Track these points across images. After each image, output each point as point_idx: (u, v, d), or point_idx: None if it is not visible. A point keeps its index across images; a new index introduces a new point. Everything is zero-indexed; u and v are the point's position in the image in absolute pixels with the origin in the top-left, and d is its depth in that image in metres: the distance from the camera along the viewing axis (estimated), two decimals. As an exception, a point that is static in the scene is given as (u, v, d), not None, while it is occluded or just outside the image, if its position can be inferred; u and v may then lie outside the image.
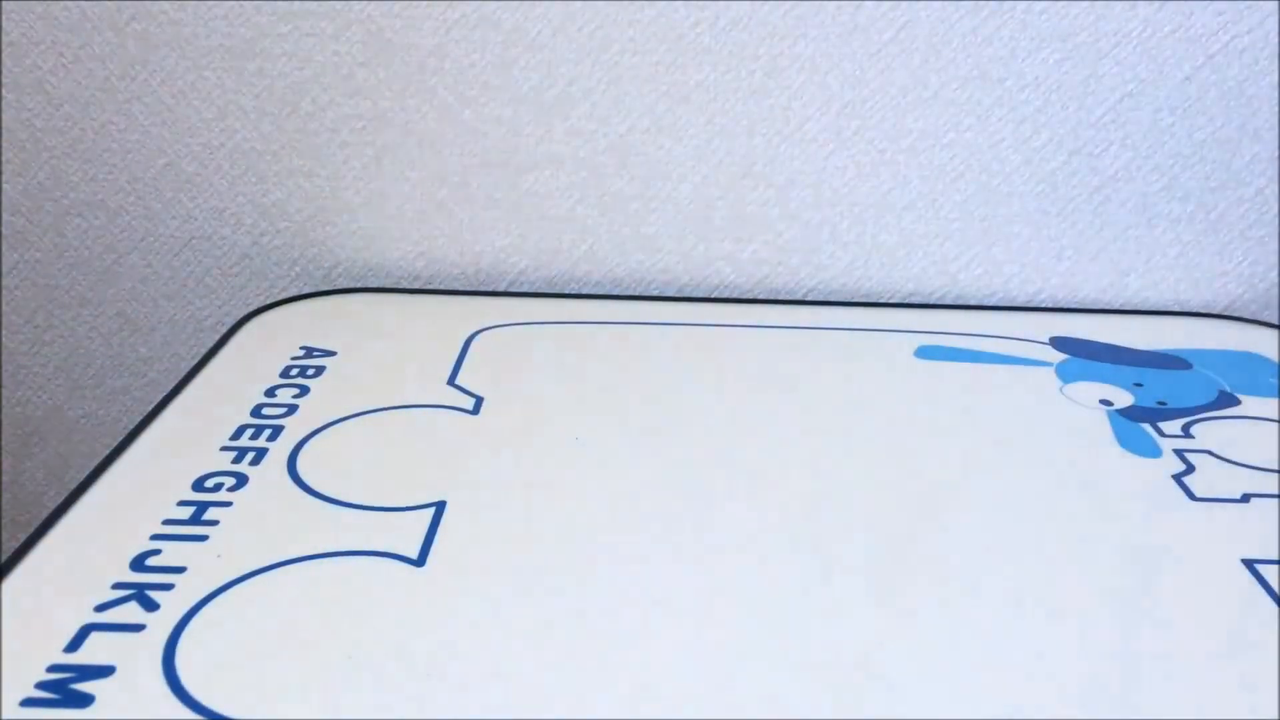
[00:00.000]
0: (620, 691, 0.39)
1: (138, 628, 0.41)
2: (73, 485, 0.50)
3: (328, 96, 0.72)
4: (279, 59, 0.71)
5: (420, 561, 0.45)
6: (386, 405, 0.58)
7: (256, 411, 0.57)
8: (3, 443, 0.81)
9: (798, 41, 0.70)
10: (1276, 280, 0.74)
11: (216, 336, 0.68)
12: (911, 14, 0.69)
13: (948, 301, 0.75)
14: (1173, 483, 0.53)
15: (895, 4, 0.68)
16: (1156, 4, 0.68)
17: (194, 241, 0.76)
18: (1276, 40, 0.68)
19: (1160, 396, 0.61)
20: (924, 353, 0.66)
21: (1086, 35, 0.69)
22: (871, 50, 0.70)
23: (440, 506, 0.49)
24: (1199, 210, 0.73)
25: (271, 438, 0.55)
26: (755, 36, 0.70)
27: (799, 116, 0.72)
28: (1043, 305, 0.75)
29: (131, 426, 0.56)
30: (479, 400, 0.59)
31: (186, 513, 0.48)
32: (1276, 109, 0.70)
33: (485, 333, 0.68)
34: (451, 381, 0.61)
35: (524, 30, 0.70)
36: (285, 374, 0.61)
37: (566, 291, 0.76)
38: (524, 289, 0.76)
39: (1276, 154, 0.71)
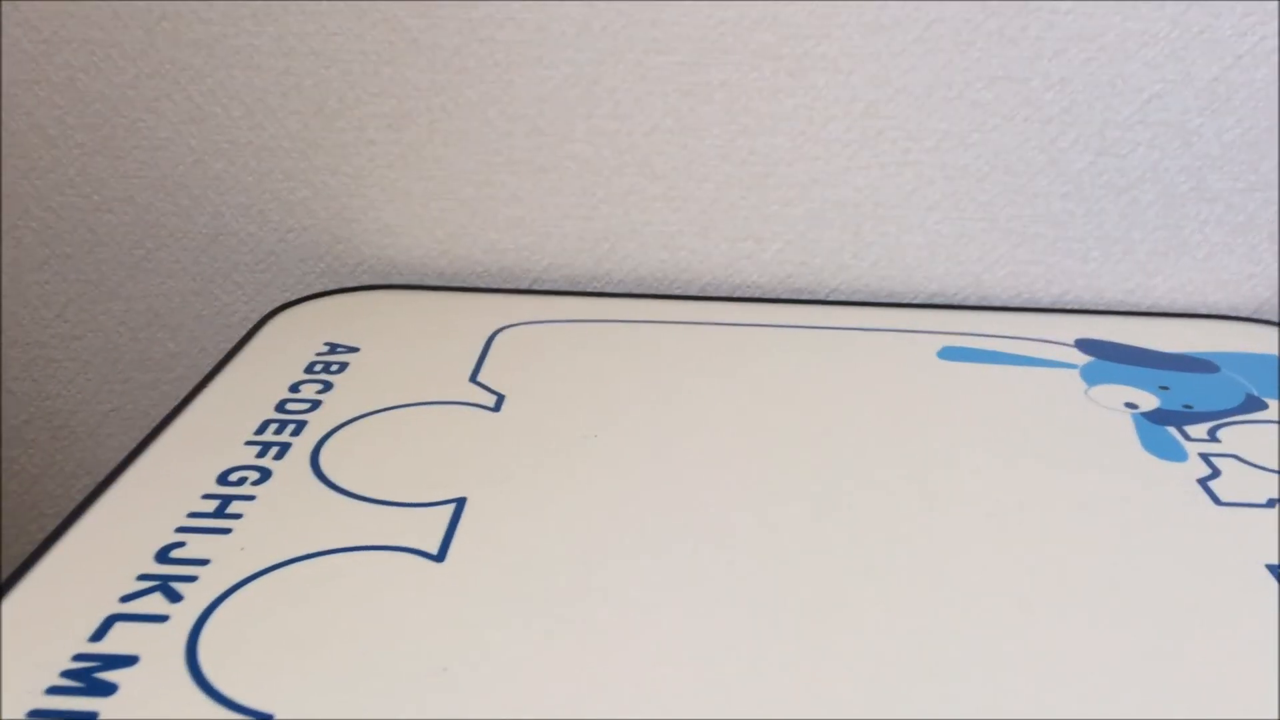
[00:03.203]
0: (639, 690, 0.39)
1: (161, 618, 0.41)
2: (102, 478, 0.51)
3: (353, 95, 0.72)
4: (305, 58, 0.71)
5: (440, 557, 0.46)
6: (409, 402, 0.59)
7: (281, 407, 0.58)
8: (33, 436, 0.83)
9: (821, 41, 0.70)
10: (1306, 283, 0.74)
11: (243, 332, 0.69)
12: (936, 13, 0.68)
13: (972, 302, 0.75)
14: (1198, 487, 0.52)
15: (920, 3, 0.68)
16: (1184, 4, 0.67)
17: (221, 237, 0.77)
18: (1307, 41, 0.68)
19: (1186, 400, 0.61)
20: (947, 354, 0.66)
21: (1113, 35, 0.68)
22: (895, 50, 0.69)
23: (461, 503, 0.50)
24: (1227, 212, 0.72)
25: (295, 433, 0.55)
26: (779, 36, 0.70)
27: (822, 116, 0.71)
28: (1068, 307, 0.75)
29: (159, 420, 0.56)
30: (500, 398, 0.59)
31: (211, 506, 0.49)
32: (1307, 110, 0.69)
33: (508, 330, 0.68)
34: (474, 378, 0.62)
35: (547, 29, 0.70)
36: (309, 370, 0.62)
37: (589, 290, 0.76)
38: (547, 287, 0.76)
39: (1306, 155, 0.71)
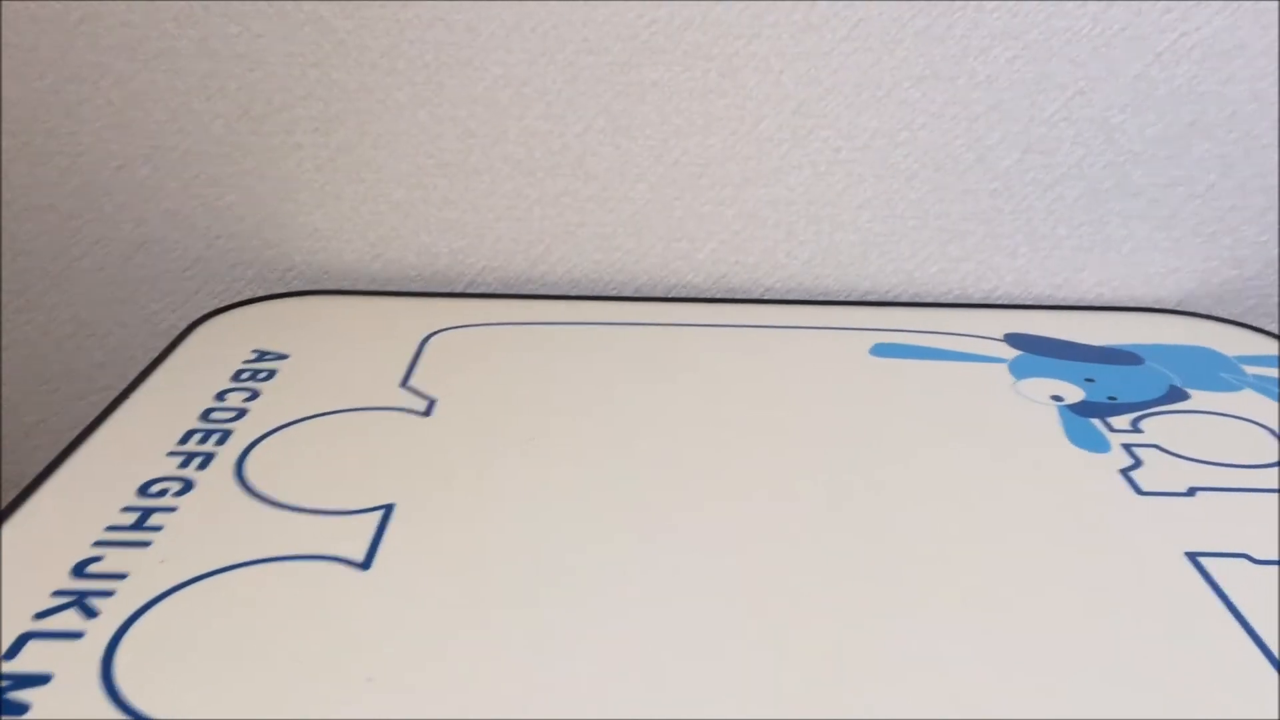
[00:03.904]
0: (568, 693, 0.39)
1: (76, 635, 0.40)
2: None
3: (280, 98, 0.71)
4: (230, 60, 0.70)
5: (366, 565, 0.45)
6: (338, 408, 0.58)
7: (205, 416, 0.57)
8: (-46, 450, 0.81)
9: (752, 41, 0.70)
10: (1228, 275, 0.75)
11: (171, 340, 0.68)
12: (865, 13, 0.69)
13: (904, 299, 0.76)
14: (1120, 477, 0.53)
15: (849, 3, 0.69)
16: (1106, 2, 0.68)
17: (147, 245, 0.75)
18: (1224, 38, 0.69)
19: (1111, 392, 0.62)
20: (879, 350, 0.67)
21: (1038, 33, 0.69)
22: (825, 49, 0.70)
23: (388, 510, 0.49)
24: (1151, 207, 0.73)
25: (220, 442, 0.54)
26: (710, 36, 0.70)
27: (754, 116, 0.72)
28: (998, 302, 0.75)
29: (85, 432, 0.55)
30: (431, 402, 0.59)
31: (130, 519, 0.48)
32: (1225, 105, 0.71)
33: (441, 334, 0.67)
34: (405, 384, 0.61)
35: (478, 30, 0.70)
36: (236, 378, 0.61)
37: (523, 292, 0.76)
38: (481, 290, 0.76)
39: (1226, 150, 0.72)
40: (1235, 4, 0.68)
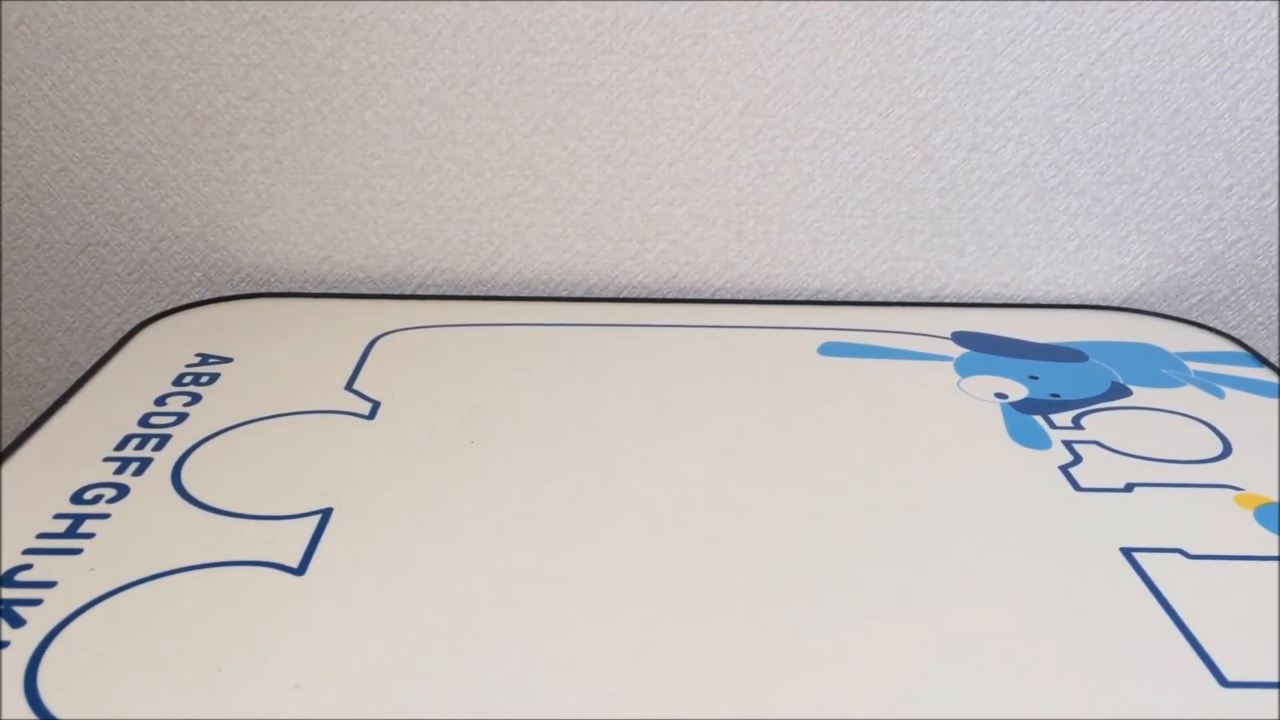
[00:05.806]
0: (503, 701, 0.39)
1: (2, 645, 0.40)
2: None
3: (224, 99, 0.71)
4: (172, 61, 0.70)
5: (301, 570, 0.45)
6: (280, 412, 0.57)
7: (144, 421, 0.56)
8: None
9: (699, 41, 0.70)
10: (1173, 272, 0.76)
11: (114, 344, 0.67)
12: (810, 13, 0.69)
13: (853, 298, 0.76)
14: (1059, 473, 0.53)
15: (794, 3, 0.69)
16: (1049, 2, 0.69)
17: (90, 248, 0.74)
18: (1165, 36, 0.70)
19: (1054, 389, 0.62)
20: (828, 349, 0.67)
21: (982, 33, 0.69)
22: (772, 49, 0.70)
23: (326, 514, 0.49)
24: (1095, 204, 0.74)
25: (158, 447, 0.53)
26: (656, 36, 0.70)
27: (702, 116, 0.72)
28: (946, 300, 0.76)
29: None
30: (376, 405, 0.59)
31: (62, 526, 0.47)
32: (1168, 104, 0.71)
33: (388, 336, 0.67)
34: (349, 386, 0.61)
35: (423, 30, 0.69)
36: (178, 382, 0.60)
37: (473, 294, 0.75)
38: (430, 292, 0.76)
39: (1169, 148, 0.73)
40: (1176, 3, 0.69)
